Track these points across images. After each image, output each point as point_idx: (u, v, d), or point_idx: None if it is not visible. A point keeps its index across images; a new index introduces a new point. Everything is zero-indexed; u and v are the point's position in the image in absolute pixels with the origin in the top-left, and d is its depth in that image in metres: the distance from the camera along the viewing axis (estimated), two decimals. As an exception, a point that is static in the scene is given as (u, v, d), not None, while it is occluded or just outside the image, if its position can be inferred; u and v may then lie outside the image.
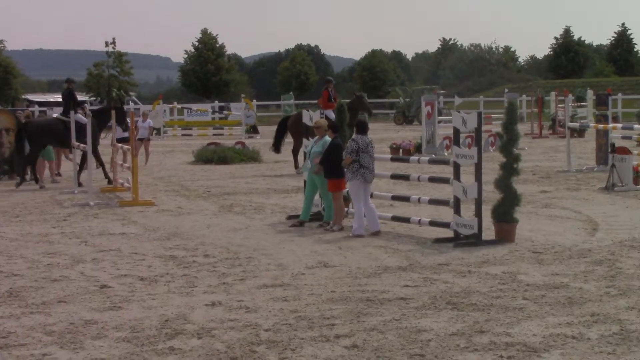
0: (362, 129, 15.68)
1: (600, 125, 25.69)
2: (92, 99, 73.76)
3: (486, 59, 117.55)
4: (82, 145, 22.69)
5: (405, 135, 41.75)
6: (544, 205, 18.64)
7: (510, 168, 14.36)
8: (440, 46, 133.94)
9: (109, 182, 24.04)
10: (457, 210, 14.53)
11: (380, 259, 13.16)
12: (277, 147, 28.20)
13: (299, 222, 16.49)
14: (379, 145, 29.91)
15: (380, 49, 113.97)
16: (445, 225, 14.83)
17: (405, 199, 16.86)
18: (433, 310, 10.02)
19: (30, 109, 42.85)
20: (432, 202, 15.96)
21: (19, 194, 22.66)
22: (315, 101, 59.83)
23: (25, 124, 24.87)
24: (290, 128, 27.24)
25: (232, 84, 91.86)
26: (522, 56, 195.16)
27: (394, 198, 17.06)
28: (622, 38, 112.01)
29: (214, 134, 48.41)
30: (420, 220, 15.49)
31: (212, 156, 30.94)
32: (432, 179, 16.31)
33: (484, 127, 16.32)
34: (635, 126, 29.21)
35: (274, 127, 29.43)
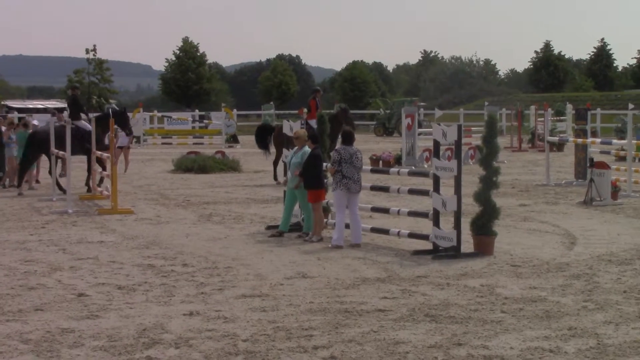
0: (348, 140, 15.68)
1: (579, 140, 25.82)
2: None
3: (467, 71, 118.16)
4: (61, 152, 22.65)
5: (385, 147, 41.81)
6: (523, 218, 18.71)
7: (489, 181, 14.40)
8: (421, 58, 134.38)
9: (88, 190, 24.04)
10: (436, 223, 14.56)
11: (359, 270, 13.16)
12: (265, 148, 28.13)
13: (278, 232, 16.48)
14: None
15: (362, 60, 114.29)
16: (425, 237, 14.86)
17: (385, 210, 16.88)
18: (411, 322, 10.03)
19: (10, 115, 42.60)
20: (412, 214, 15.99)
21: (-4, 200, 22.53)
22: (296, 111, 59.88)
23: (34, 133, 24.81)
24: (274, 139, 27.17)
25: (212, 93, 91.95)
26: (503, 69, 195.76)
27: (374, 210, 17.08)
28: (602, 53, 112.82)
29: (194, 143, 48.30)
30: (399, 232, 15.51)
31: (191, 165, 30.87)
32: (412, 191, 16.37)
33: (464, 140, 16.40)
34: (614, 141, 29.42)
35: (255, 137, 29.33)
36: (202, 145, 46.27)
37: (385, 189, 17.35)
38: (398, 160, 32.83)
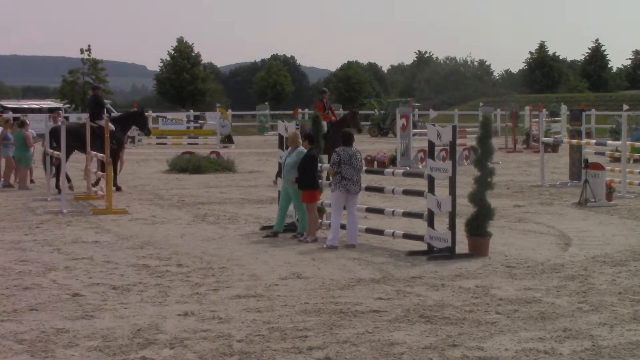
0: (347, 141, 15.65)
1: (574, 141, 25.85)
2: (67, 105, 73.36)
3: (461, 72, 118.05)
4: (55, 152, 22.66)
5: (380, 148, 41.80)
6: (518, 219, 18.72)
7: (484, 182, 14.41)
8: (415, 59, 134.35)
9: (117, 189, 24.22)
10: (431, 223, 14.57)
11: (354, 271, 13.16)
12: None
13: (273, 232, 16.48)
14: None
15: (356, 61, 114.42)
16: (419, 238, 14.86)
17: (380, 211, 16.88)
18: (406, 323, 10.03)
19: (5, 115, 42.55)
20: (406, 214, 15.98)
21: (-9, 200, 22.50)
22: (291, 112, 59.79)
23: (54, 129, 24.82)
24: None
25: (207, 93, 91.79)
26: (497, 70, 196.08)
27: (368, 210, 17.07)
28: (596, 54, 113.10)
29: (189, 143, 48.25)
30: (394, 232, 15.52)
31: (186, 165, 30.83)
32: (407, 192, 16.37)
33: (458, 141, 16.39)
34: (609, 142, 29.43)
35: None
36: (197, 146, 46.21)
37: (380, 190, 17.36)
38: (393, 161, 32.84)
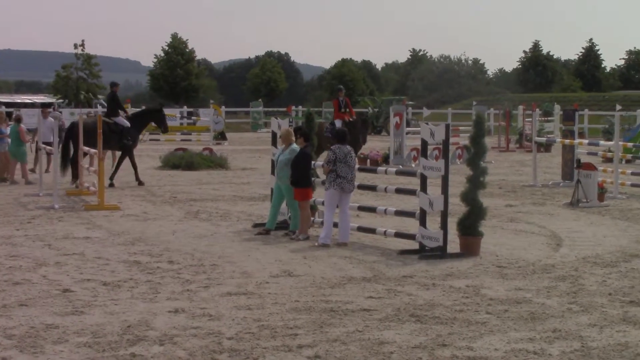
0: (342, 139, 15.62)
1: (567, 141, 25.88)
2: (60, 101, 73.25)
3: (455, 71, 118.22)
4: (47, 147, 22.73)
5: (373, 146, 41.74)
6: (510, 219, 18.74)
7: (476, 181, 14.42)
8: (410, 57, 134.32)
9: (140, 183, 24.99)
10: (422, 222, 14.58)
11: (345, 269, 13.17)
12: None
13: (265, 230, 16.47)
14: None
15: (350, 58, 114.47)
16: (411, 237, 14.87)
17: (372, 209, 16.89)
18: (396, 322, 10.03)
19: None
20: (399, 213, 15.98)
21: (-18, 194, 22.47)
22: (284, 109, 59.76)
23: (71, 126, 24.96)
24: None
25: (201, 90, 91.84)
26: (491, 69, 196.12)
27: (360, 209, 17.05)
28: (590, 54, 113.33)
29: (182, 140, 48.22)
30: (386, 231, 15.52)
31: (179, 162, 30.82)
32: (399, 190, 16.37)
33: (451, 140, 16.39)
34: (602, 142, 29.47)
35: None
36: (190, 142, 46.21)
37: (372, 188, 17.36)
38: (386, 159, 32.83)
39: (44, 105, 44.99)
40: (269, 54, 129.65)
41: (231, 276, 12.57)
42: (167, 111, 61.35)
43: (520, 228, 17.53)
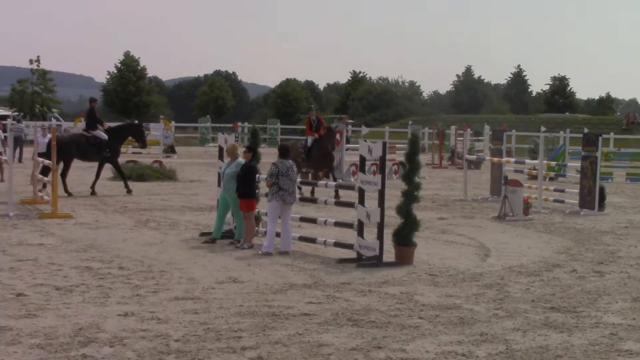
0: (284, 154, 15.71)
1: (496, 159, 26.19)
2: (15, 113, 72.26)
3: (393, 92, 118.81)
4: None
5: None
6: (441, 231, 18.91)
7: (411, 195, 14.55)
8: (350, 78, 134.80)
9: (92, 193, 24.89)
10: (360, 233, 14.66)
11: (287, 276, 13.19)
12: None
13: (211, 239, 16.44)
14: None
15: (294, 78, 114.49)
16: (349, 246, 14.94)
17: (312, 220, 16.91)
18: (334, 326, 10.08)
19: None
20: (338, 224, 16.03)
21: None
22: (231, 125, 59.59)
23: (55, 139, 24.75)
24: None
25: (152, 106, 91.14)
26: (426, 91, 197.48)
27: (302, 220, 17.09)
28: (518, 79, 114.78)
29: (133, 152, 47.79)
30: (325, 241, 15.58)
31: (130, 173, 30.55)
32: (338, 203, 16.47)
33: (388, 156, 16.54)
34: (527, 161, 29.88)
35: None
36: (141, 155, 45.82)
37: (313, 200, 17.43)
38: (326, 174, 32.81)
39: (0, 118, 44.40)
40: (217, 73, 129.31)
41: (179, 282, 12.52)
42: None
43: (451, 239, 17.70)
